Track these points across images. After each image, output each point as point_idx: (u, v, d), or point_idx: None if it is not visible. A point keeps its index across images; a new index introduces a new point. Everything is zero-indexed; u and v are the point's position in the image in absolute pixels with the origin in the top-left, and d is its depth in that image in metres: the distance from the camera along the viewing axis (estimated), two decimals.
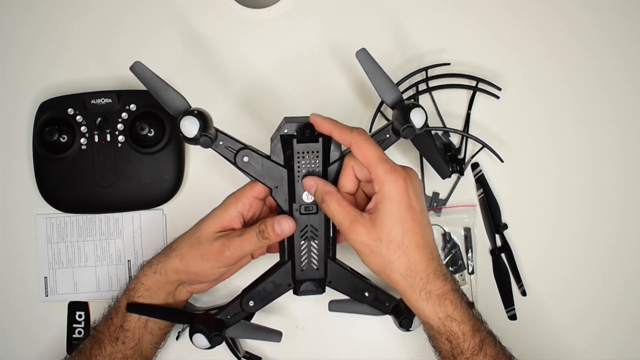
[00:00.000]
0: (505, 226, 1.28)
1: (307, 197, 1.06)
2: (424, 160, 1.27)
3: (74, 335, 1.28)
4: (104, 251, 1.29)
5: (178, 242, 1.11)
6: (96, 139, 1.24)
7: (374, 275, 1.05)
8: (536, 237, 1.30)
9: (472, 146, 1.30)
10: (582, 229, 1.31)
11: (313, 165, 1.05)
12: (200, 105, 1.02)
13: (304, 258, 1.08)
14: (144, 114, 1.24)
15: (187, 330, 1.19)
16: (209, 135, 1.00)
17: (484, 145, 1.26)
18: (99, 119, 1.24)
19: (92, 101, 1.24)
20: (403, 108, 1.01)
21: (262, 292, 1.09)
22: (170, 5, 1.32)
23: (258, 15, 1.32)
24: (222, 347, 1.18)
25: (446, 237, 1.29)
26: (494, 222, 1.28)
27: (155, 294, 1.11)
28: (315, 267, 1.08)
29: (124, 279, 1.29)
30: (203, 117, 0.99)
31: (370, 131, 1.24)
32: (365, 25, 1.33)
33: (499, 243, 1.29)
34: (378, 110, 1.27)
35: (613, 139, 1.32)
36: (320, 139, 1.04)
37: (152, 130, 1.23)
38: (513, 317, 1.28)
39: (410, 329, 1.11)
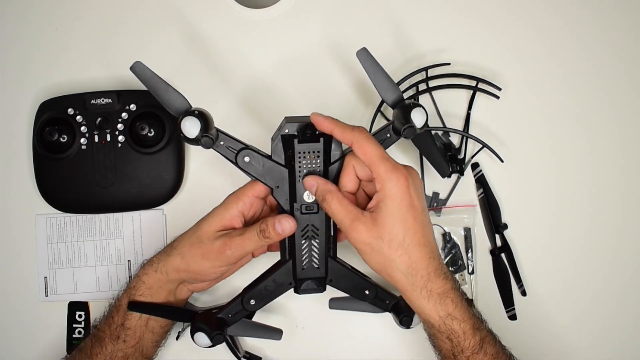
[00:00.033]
0: (505, 226, 1.29)
1: (308, 197, 1.07)
2: (424, 160, 1.28)
3: (74, 335, 1.29)
4: (104, 251, 1.30)
5: (179, 240, 1.12)
6: (96, 139, 1.25)
7: (374, 274, 1.07)
8: (536, 237, 1.31)
9: (472, 146, 1.31)
10: (582, 229, 1.32)
11: (314, 165, 1.06)
12: (201, 105, 1.03)
13: (304, 257, 1.09)
14: (144, 114, 1.25)
15: (187, 330, 1.21)
16: (210, 136, 1.01)
17: (484, 145, 1.27)
18: (99, 119, 1.24)
19: (92, 101, 1.25)
20: (404, 108, 1.02)
21: (263, 290, 1.10)
22: (170, 5, 1.33)
23: (258, 15, 1.33)
24: (222, 347, 1.20)
25: (446, 237, 1.30)
26: (494, 222, 1.29)
27: (156, 293, 1.12)
28: (316, 265, 1.09)
29: (124, 279, 1.30)
30: (204, 118, 1.00)
31: (370, 131, 1.25)
32: (365, 25, 1.34)
33: (499, 243, 1.30)
34: (378, 109, 1.28)
35: (613, 139, 1.33)
36: (322, 139, 1.05)
37: (152, 130, 1.24)
38: (513, 317, 1.29)
39: (410, 326, 1.12)
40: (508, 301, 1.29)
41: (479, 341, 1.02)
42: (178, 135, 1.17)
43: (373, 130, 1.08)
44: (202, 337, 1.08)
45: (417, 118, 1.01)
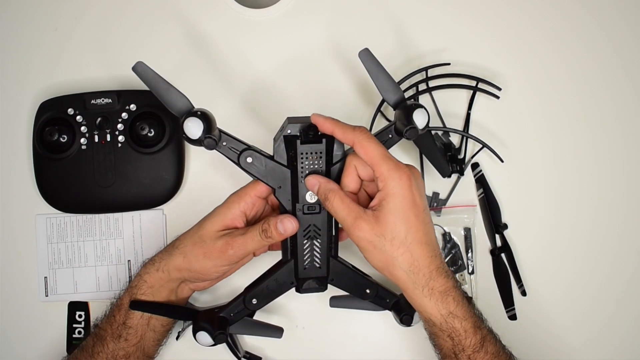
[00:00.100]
0: (505, 226, 1.31)
1: (310, 197, 1.09)
2: (424, 159, 1.30)
3: (74, 335, 1.31)
4: (104, 251, 1.32)
5: (181, 240, 1.14)
6: (96, 139, 1.26)
7: (375, 273, 1.09)
8: (536, 237, 1.33)
9: (472, 146, 1.33)
10: (582, 229, 1.33)
11: (316, 166, 1.08)
12: (202, 105, 1.04)
13: (306, 257, 1.11)
14: (144, 114, 1.26)
15: (187, 330, 1.23)
16: (213, 136, 1.02)
17: (484, 145, 1.29)
18: (99, 119, 1.26)
19: (92, 101, 1.26)
20: (406, 108, 1.04)
21: (265, 290, 1.12)
22: (170, 6, 1.35)
23: (258, 15, 1.35)
24: (222, 347, 1.22)
25: (446, 237, 1.32)
26: (494, 222, 1.31)
27: (157, 292, 1.14)
28: (317, 265, 1.12)
29: (124, 279, 1.31)
30: (207, 118, 1.02)
31: (370, 130, 1.26)
32: (366, 25, 1.36)
33: (499, 243, 1.32)
34: (378, 109, 1.30)
35: (613, 139, 1.35)
36: (324, 140, 1.07)
37: (152, 130, 1.25)
38: (513, 317, 1.31)
39: (411, 325, 1.15)
40: (508, 301, 1.31)
41: (480, 340, 1.04)
42: (178, 135, 1.21)
43: (375, 131, 1.09)
44: (204, 336, 1.11)
45: (419, 119, 1.03)
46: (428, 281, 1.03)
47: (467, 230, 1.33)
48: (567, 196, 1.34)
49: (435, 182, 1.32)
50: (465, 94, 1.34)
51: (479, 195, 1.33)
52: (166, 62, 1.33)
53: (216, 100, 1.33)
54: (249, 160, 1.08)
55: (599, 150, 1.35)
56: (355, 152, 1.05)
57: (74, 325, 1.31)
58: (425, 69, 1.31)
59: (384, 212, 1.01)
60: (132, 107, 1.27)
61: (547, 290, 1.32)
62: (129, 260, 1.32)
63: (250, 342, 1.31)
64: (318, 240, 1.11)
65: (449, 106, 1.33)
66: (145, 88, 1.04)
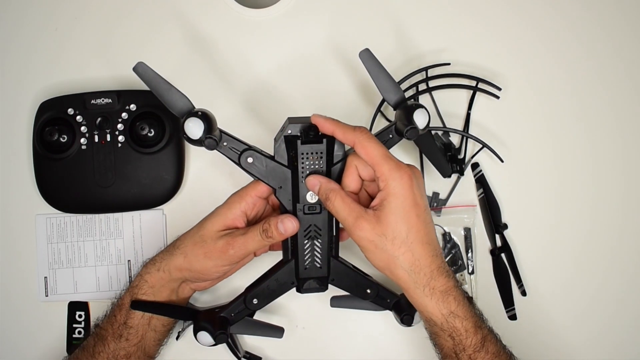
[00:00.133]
0: (505, 226, 1.32)
1: (310, 197, 1.09)
2: (424, 159, 1.31)
3: (74, 335, 1.31)
4: (104, 251, 1.32)
5: (182, 240, 1.15)
6: (96, 139, 1.27)
7: (376, 272, 1.09)
8: (536, 237, 1.33)
9: (472, 146, 1.33)
10: (582, 229, 1.34)
11: (317, 166, 1.08)
12: (202, 105, 1.05)
13: (307, 257, 1.12)
14: (144, 114, 1.27)
15: (187, 330, 1.24)
16: (213, 137, 1.02)
17: (484, 145, 1.30)
18: (99, 119, 1.27)
19: (92, 101, 1.27)
20: (406, 109, 1.05)
21: (265, 290, 1.13)
22: (170, 5, 1.35)
23: (258, 15, 1.35)
24: (222, 347, 1.22)
25: (446, 237, 1.33)
26: (494, 222, 1.32)
27: (158, 292, 1.15)
28: (318, 265, 1.12)
29: (124, 279, 1.32)
30: (207, 119, 1.02)
31: (370, 130, 1.26)
32: (366, 25, 1.36)
33: (499, 243, 1.32)
34: (378, 109, 1.31)
35: (613, 139, 1.35)
36: (325, 140, 1.07)
37: (152, 130, 1.26)
38: (513, 317, 1.32)
39: (411, 325, 1.16)
40: (508, 301, 1.32)
41: (481, 339, 1.05)
42: (178, 135, 1.21)
43: (375, 131, 1.10)
44: (205, 336, 1.11)
45: (420, 119, 1.03)
46: (429, 281, 1.03)
47: (467, 230, 1.33)
48: (567, 196, 1.34)
49: (435, 182, 1.32)
50: (465, 94, 1.34)
51: (479, 195, 1.33)
52: (166, 62, 1.33)
53: (216, 100, 1.33)
54: (250, 160, 1.08)
55: (599, 150, 1.35)
56: (356, 152, 1.06)
57: (74, 325, 1.32)
58: (425, 69, 1.32)
59: (385, 211, 1.02)
60: (132, 107, 1.27)
61: (547, 290, 1.33)
62: (129, 260, 1.33)
63: (250, 342, 1.32)
64: (319, 240, 1.11)
65: (449, 106, 1.34)
66: (146, 88, 1.04)
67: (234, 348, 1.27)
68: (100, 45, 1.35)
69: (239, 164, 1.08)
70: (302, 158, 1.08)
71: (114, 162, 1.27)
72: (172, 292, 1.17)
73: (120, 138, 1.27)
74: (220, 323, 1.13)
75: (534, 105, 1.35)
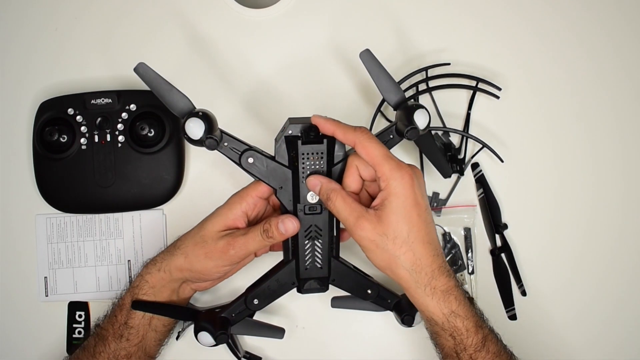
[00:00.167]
0: (505, 226, 1.32)
1: (311, 198, 1.10)
2: (424, 159, 1.31)
3: (74, 335, 1.31)
4: (104, 251, 1.33)
5: (182, 240, 1.15)
6: (96, 139, 1.27)
7: (377, 272, 1.10)
8: (536, 237, 1.34)
9: (472, 146, 1.34)
10: (582, 228, 1.35)
11: (317, 166, 1.09)
12: (203, 106, 1.05)
13: (308, 257, 1.12)
14: (144, 114, 1.27)
15: (187, 330, 1.25)
16: (214, 137, 1.03)
17: (484, 145, 1.30)
18: (99, 119, 1.27)
19: (92, 101, 1.27)
20: (406, 109, 1.05)
21: (266, 290, 1.13)
22: (170, 5, 1.36)
23: (258, 15, 1.36)
24: (222, 347, 1.23)
25: (446, 237, 1.33)
26: (494, 222, 1.32)
27: (159, 292, 1.15)
28: (319, 265, 1.13)
29: (124, 279, 1.32)
30: (208, 119, 1.03)
31: (370, 130, 1.26)
32: (365, 25, 1.37)
33: (499, 243, 1.33)
34: (378, 109, 1.31)
35: (613, 139, 1.36)
36: (325, 140, 1.08)
37: (152, 130, 1.26)
38: (513, 317, 1.32)
39: (412, 325, 1.16)
40: (508, 301, 1.32)
41: (482, 339, 1.06)
42: (178, 135, 1.22)
43: (376, 131, 1.10)
44: (205, 336, 1.12)
45: (420, 119, 1.04)
46: (430, 280, 1.04)
47: (467, 230, 1.34)
48: (567, 196, 1.35)
49: (435, 182, 1.33)
50: (465, 94, 1.35)
51: (479, 195, 1.34)
52: (166, 62, 1.34)
53: (216, 100, 1.33)
54: (251, 160, 1.09)
55: (599, 150, 1.36)
56: (356, 152, 1.06)
57: (74, 325, 1.32)
58: (425, 69, 1.32)
59: (386, 211, 1.02)
60: (132, 107, 1.28)
61: (547, 290, 1.33)
62: (129, 260, 1.33)
63: (250, 342, 1.32)
64: (319, 240, 1.12)
65: (449, 106, 1.34)
66: (146, 88, 1.05)
67: (234, 348, 1.27)
68: (100, 46, 1.35)
69: (239, 165, 1.09)
70: (303, 158, 1.08)
71: (114, 162, 1.27)
72: (173, 293, 1.17)
73: (120, 138, 1.28)
74: (221, 323, 1.13)
75: (534, 105, 1.36)
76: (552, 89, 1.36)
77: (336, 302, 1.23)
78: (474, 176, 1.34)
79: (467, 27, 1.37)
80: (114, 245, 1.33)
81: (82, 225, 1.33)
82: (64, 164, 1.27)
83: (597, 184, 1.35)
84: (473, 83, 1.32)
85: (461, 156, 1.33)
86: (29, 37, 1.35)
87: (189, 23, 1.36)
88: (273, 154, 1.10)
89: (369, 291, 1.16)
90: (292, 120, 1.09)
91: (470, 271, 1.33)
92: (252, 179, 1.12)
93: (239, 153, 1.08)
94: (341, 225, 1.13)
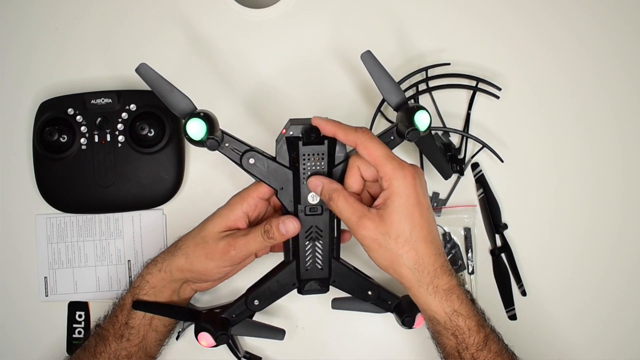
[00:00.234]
0: (505, 226, 1.33)
1: (312, 199, 1.10)
2: (424, 160, 1.31)
3: (74, 335, 1.32)
4: (104, 251, 1.33)
5: (183, 240, 1.16)
6: (96, 139, 1.28)
7: (379, 272, 1.11)
8: (536, 237, 1.34)
9: (472, 146, 1.34)
10: (582, 228, 1.35)
11: (318, 167, 1.09)
12: (203, 106, 1.06)
13: (308, 258, 1.13)
14: (144, 114, 1.28)
15: (187, 330, 1.25)
16: (215, 137, 1.04)
17: (484, 145, 1.31)
18: (99, 119, 1.27)
19: (92, 101, 1.27)
20: (407, 111, 1.06)
21: (267, 291, 1.14)
22: (170, 5, 1.36)
23: (258, 15, 1.36)
24: (222, 347, 1.22)
25: (446, 237, 1.34)
26: (494, 222, 1.32)
27: (160, 292, 1.16)
28: (319, 266, 1.13)
29: (124, 279, 1.33)
30: (209, 119, 1.03)
31: (370, 130, 1.24)
32: (366, 25, 1.37)
33: (499, 243, 1.33)
34: (378, 109, 1.31)
35: (613, 139, 1.36)
36: (326, 141, 1.08)
37: (152, 130, 1.27)
38: (513, 317, 1.33)
39: (412, 327, 1.16)
40: (508, 301, 1.33)
41: (484, 338, 1.06)
42: (178, 135, 1.22)
43: (376, 132, 1.10)
44: (206, 336, 1.12)
45: (421, 121, 1.05)
46: (432, 279, 1.04)
47: (467, 230, 1.34)
48: (567, 196, 1.35)
49: (435, 182, 1.33)
50: (465, 94, 1.35)
51: (479, 195, 1.34)
52: (166, 62, 1.34)
53: (217, 100, 1.34)
54: (251, 161, 1.09)
55: (599, 150, 1.36)
56: (358, 153, 1.07)
57: (74, 325, 1.32)
58: (425, 69, 1.33)
59: (388, 210, 1.03)
60: (132, 107, 1.28)
61: (547, 290, 1.34)
62: (129, 261, 1.33)
63: (250, 342, 1.33)
64: (320, 241, 1.12)
65: (449, 106, 1.35)
66: (146, 88, 1.06)
67: (234, 348, 1.28)
68: (100, 46, 1.36)
69: (240, 165, 1.09)
70: (304, 159, 1.09)
71: (114, 162, 1.28)
72: (174, 293, 1.17)
73: (120, 138, 1.28)
74: (222, 324, 1.14)
75: (534, 105, 1.36)
76: (552, 89, 1.37)
77: (336, 304, 1.23)
78: (474, 176, 1.34)
79: (467, 27, 1.37)
80: (114, 245, 1.33)
81: (82, 225, 1.33)
82: (64, 164, 1.28)
83: (597, 184, 1.36)
84: (473, 83, 1.33)
85: (461, 156, 1.33)
86: (29, 37, 1.36)
87: (189, 23, 1.36)
88: (274, 155, 1.11)
89: (370, 292, 1.16)
90: (293, 121, 1.10)
91: (470, 271, 1.34)
92: (252, 180, 1.13)
93: (240, 154, 1.09)
94: (342, 227, 1.14)
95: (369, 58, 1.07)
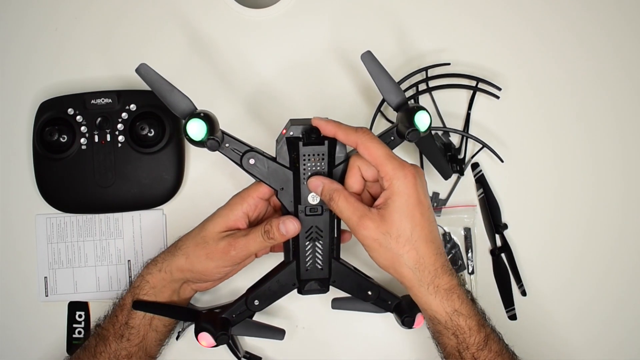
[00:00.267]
0: (505, 226, 1.33)
1: (312, 199, 1.10)
2: (424, 160, 1.31)
3: (74, 335, 1.32)
4: (104, 251, 1.33)
5: (183, 240, 1.16)
6: (96, 139, 1.28)
7: (379, 272, 1.11)
8: (536, 237, 1.35)
9: (472, 146, 1.35)
10: (582, 228, 1.35)
11: (318, 168, 1.09)
12: (203, 106, 1.06)
13: (308, 258, 1.13)
14: (144, 114, 1.28)
15: (187, 330, 1.25)
16: (216, 138, 1.04)
17: (484, 145, 1.31)
18: (99, 119, 1.27)
19: (92, 101, 1.28)
20: (408, 111, 1.07)
21: (267, 291, 1.14)
22: (170, 5, 1.36)
23: (258, 15, 1.36)
24: (223, 347, 1.22)
25: (446, 237, 1.34)
26: (494, 222, 1.33)
27: (160, 292, 1.16)
28: (319, 267, 1.13)
29: (124, 279, 1.33)
30: (210, 120, 1.03)
31: (370, 130, 1.25)
32: (366, 25, 1.37)
33: (499, 243, 1.34)
34: (378, 109, 1.32)
35: (613, 139, 1.36)
36: (326, 142, 1.08)
37: (152, 130, 1.27)
38: (513, 317, 1.33)
39: (412, 327, 1.17)
40: (508, 301, 1.33)
41: (484, 338, 1.07)
42: (178, 135, 1.22)
43: (376, 132, 1.10)
44: (206, 336, 1.12)
45: (421, 122, 1.05)
46: (433, 279, 1.05)
47: (467, 230, 1.34)
48: (567, 196, 1.36)
49: (435, 182, 1.33)
50: (465, 94, 1.35)
51: (479, 195, 1.34)
52: (166, 62, 1.34)
53: (217, 100, 1.34)
54: (252, 161, 1.09)
55: (599, 150, 1.36)
56: (358, 153, 1.07)
57: (74, 325, 1.32)
58: (425, 69, 1.33)
59: (389, 210, 1.03)
60: (132, 107, 1.28)
61: (547, 290, 1.34)
62: (129, 261, 1.33)
63: (250, 342, 1.33)
64: (320, 242, 1.12)
65: (449, 106, 1.35)
66: (146, 88, 1.06)
67: (234, 348, 1.28)
68: (100, 45, 1.36)
69: (240, 166, 1.10)
70: (304, 160, 1.09)
71: (114, 162, 1.28)
72: (174, 293, 1.18)
73: (120, 138, 1.28)
74: (222, 324, 1.14)
75: (534, 105, 1.36)
76: (552, 89, 1.37)
77: (336, 304, 1.24)
78: (474, 176, 1.34)
79: (467, 27, 1.37)
80: (114, 245, 1.33)
81: (82, 225, 1.33)
82: (64, 164, 1.28)
83: (597, 184, 1.36)
84: (473, 83, 1.33)
85: (461, 156, 1.33)
86: (29, 37, 1.36)
87: (189, 23, 1.36)
88: (274, 155, 1.11)
89: (370, 292, 1.16)
90: (293, 122, 1.10)
91: (470, 271, 1.34)
92: (252, 180, 1.13)
93: (240, 154, 1.09)
94: (342, 227, 1.14)
95: (369, 58, 1.07)
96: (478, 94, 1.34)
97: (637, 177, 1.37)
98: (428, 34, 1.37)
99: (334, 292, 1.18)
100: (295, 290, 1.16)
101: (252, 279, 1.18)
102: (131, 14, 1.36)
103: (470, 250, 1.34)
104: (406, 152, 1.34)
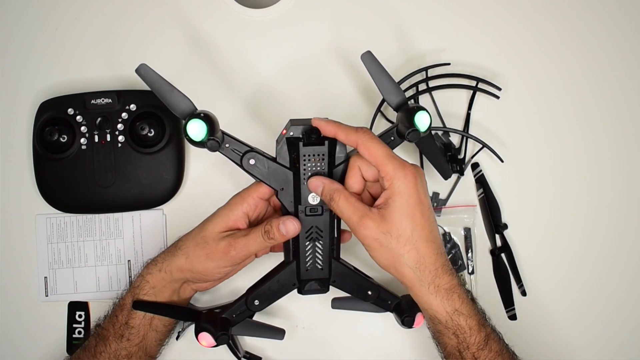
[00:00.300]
0: (505, 226, 1.33)
1: (312, 199, 1.11)
2: (424, 160, 1.32)
3: (74, 335, 1.32)
4: (104, 251, 1.33)
5: (183, 241, 1.16)
6: (96, 139, 1.28)
7: (379, 272, 1.12)
8: (536, 237, 1.35)
9: (472, 146, 1.35)
10: (582, 228, 1.35)
11: (319, 168, 1.09)
12: (203, 106, 1.06)
13: (308, 258, 1.13)
14: (144, 114, 1.28)
15: (187, 330, 1.26)
16: (216, 138, 1.04)
17: (484, 145, 1.31)
18: (99, 119, 1.28)
19: (92, 101, 1.28)
20: (408, 111, 1.07)
21: (267, 291, 1.14)
22: (170, 5, 1.36)
23: (258, 15, 1.36)
24: (223, 347, 1.22)
25: (446, 237, 1.34)
26: (494, 222, 1.33)
27: (160, 292, 1.16)
28: (319, 267, 1.14)
29: (124, 279, 1.33)
30: (210, 120, 1.03)
31: (370, 130, 1.26)
32: (366, 25, 1.37)
33: (499, 243, 1.34)
34: (378, 109, 1.32)
35: (613, 139, 1.37)
36: (326, 142, 1.09)
37: (152, 130, 1.27)
38: (513, 317, 1.33)
39: (412, 326, 1.17)
40: (508, 301, 1.33)
41: (485, 337, 1.07)
42: (178, 135, 1.22)
43: (376, 132, 1.11)
44: (206, 336, 1.12)
45: (421, 122, 1.06)
46: (434, 278, 1.05)
47: (467, 230, 1.34)
48: (567, 196, 1.36)
49: (435, 182, 1.33)
50: (465, 94, 1.36)
51: (479, 195, 1.35)
52: (166, 62, 1.34)
53: (217, 101, 1.34)
54: (252, 162, 1.09)
55: (599, 150, 1.36)
56: (358, 153, 1.07)
57: (74, 325, 1.33)
58: (425, 69, 1.33)
59: (389, 210, 1.03)
60: (132, 107, 1.28)
61: (547, 290, 1.34)
62: (129, 260, 1.34)
63: (250, 342, 1.33)
64: (320, 242, 1.13)
65: (449, 106, 1.35)
66: (146, 88, 1.06)
67: (234, 348, 1.28)
68: (100, 45, 1.36)
69: (241, 166, 1.10)
70: (304, 160, 1.09)
71: (114, 162, 1.28)
72: (174, 293, 1.18)
73: (120, 138, 1.28)
74: (222, 324, 1.14)
75: (534, 105, 1.36)
76: (552, 89, 1.37)
77: (336, 303, 1.24)
78: (474, 176, 1.35)
79: (467, 27, 1.38)
80: (114, 245, 1.34)
81: (82, 225, 1.33)
82: (64, 164, 1.28)
83: (597, 184, 1.36)
84: (473, 83, 1.33)
85: (461, 156, 1.33)
86: (29, 37, 1.36)
87: (189, 23, 1.36)
88: (274, 156, 1.11)
89: (370, 292, 1.17)
90: (293, 122, 1.10)
91: (470, 271, 1.34)
92: (253, 180, 1.13)
93: (241, 154, 1.09)
94: (342, 227, 1.15)
95: (369, 58, 1.08)
96: (478, 94, 1.34)
97: (637, 177, 1.37)
98: (428, 34, 1.37)
99: (334, 292, 1.18)
100: (295, 290, 1.16)
101: (252, 279, 1.18)
102: (131, 14, 1.36)
103: (470, 250, 1.34)
104: (406, 152, 1.34)
